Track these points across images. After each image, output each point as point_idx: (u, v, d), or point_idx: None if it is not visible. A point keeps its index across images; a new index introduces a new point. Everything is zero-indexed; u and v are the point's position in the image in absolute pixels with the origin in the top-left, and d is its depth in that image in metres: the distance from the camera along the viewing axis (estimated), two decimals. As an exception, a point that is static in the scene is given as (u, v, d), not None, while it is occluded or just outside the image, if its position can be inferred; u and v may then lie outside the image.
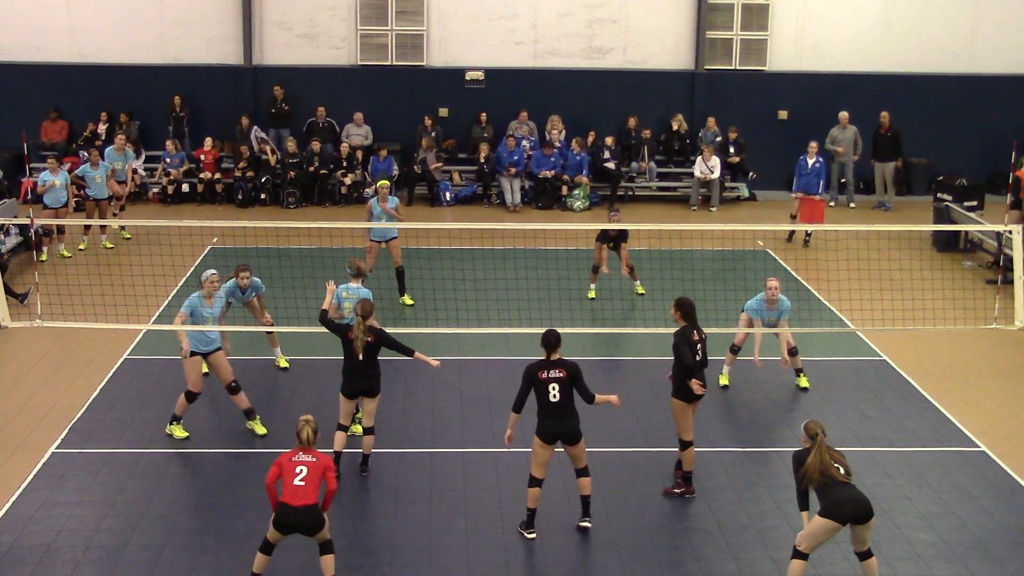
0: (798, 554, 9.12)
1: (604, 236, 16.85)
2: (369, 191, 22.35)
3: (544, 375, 10.02)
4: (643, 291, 17.24)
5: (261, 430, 12.32)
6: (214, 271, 12.44)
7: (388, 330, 11.45)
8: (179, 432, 12.26)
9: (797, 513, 10.76)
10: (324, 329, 11.44)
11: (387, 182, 17.05)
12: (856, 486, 9.03)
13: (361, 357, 11.03)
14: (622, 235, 16.80)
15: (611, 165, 23.93)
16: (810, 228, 19.91)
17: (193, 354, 12.07)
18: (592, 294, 17.19)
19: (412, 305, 16.71)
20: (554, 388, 9.99)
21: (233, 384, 12.26)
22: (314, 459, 9.17)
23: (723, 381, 13.76)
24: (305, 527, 9.14)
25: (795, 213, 20.98)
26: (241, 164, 23.56)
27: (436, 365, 11.40)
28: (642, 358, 14.80)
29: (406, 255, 17.17)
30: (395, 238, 16.65)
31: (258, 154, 23.66)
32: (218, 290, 12.43)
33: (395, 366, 14.07)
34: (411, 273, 17.03)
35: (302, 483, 9.05)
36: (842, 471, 8.98)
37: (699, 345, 10.81)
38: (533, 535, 10.27)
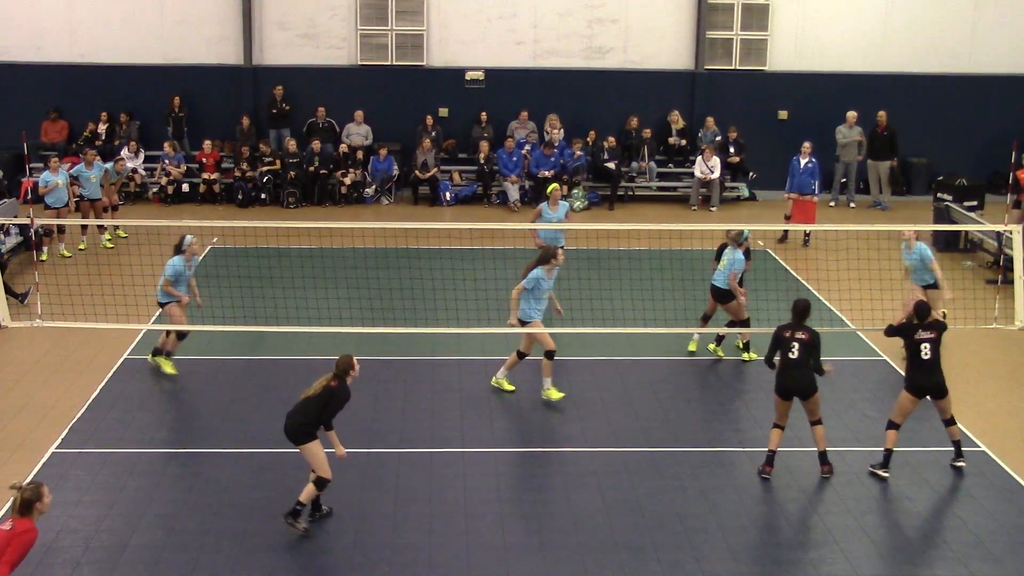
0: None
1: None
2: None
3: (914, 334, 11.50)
4: (750, 357, 14.69)
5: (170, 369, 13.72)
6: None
7: (388, 329, 11.43)
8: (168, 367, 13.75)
9: (797, 513, 10.85)
10: (323, 329, 11.44)
11: (557, 185, 16.30)
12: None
13: (309, 394, 10.18)
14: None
15: (611, 165, 23.94)
16: (805, 228, 19.88)
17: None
18: (692, 346, 14.96)
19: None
20: (926, 347, 11.41)
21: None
22: (8, 527, 7.77)
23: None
24: None
25: (788, 213, 20.94)
26: (242, 165, 23.56)
27: (341, 455, 10.31)
28: (643, 358, 14.78)
29: (407, 255, 17.14)
30: (561, 246, 14.11)
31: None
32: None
33: (395, 366, 14.09)
34: (411, 273, 17.02)
35: None
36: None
37: (793, 343, 11.27)
38: (887, 474, 11.46)
